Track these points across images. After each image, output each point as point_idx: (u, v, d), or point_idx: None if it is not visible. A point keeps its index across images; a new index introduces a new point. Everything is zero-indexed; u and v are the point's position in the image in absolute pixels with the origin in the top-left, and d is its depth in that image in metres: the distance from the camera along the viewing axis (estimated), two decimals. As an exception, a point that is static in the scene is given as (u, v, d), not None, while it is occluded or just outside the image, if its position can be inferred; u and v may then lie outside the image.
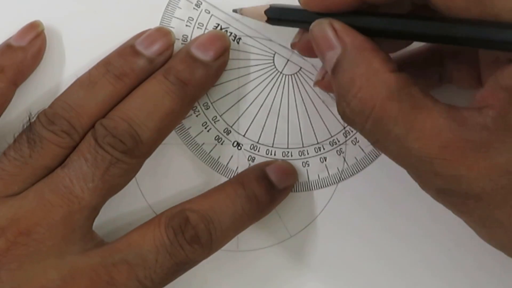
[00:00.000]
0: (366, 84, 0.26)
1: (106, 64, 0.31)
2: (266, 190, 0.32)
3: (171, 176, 0.33)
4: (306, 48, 0.30)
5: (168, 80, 0.30)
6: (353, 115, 0.27)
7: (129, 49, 0.31)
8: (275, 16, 0.30)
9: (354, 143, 0.33)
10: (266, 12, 0.30)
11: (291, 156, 0.33)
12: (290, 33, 0.31)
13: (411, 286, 0.34)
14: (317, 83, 0.32)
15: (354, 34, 0.27)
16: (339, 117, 0.33)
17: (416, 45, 0.31)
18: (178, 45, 0.32)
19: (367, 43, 0.27)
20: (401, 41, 0.31)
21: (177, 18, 0.33)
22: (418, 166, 0.26)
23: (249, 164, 0.33)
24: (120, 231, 0.31)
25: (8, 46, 0.31)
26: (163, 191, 0.33)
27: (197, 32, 0.33)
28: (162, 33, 0.32)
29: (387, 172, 0.33)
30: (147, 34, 0.31)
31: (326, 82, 0.31)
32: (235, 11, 0.32)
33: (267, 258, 0.34)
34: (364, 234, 0.34)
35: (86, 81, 0.31)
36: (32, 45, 0.32)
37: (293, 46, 0.31)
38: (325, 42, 0.27)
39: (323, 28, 0.28)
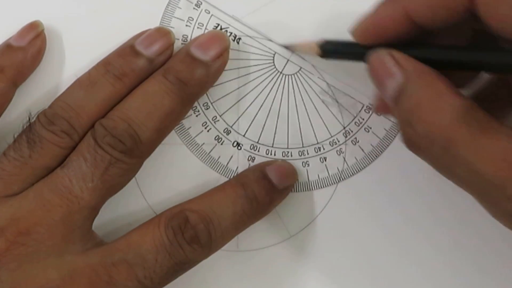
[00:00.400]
0: (433, 108, 0.25)
1: (105, 64, 0.31)
2: (266, 190, 0.32)
3: (171, 176, 0.33)
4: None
5: (168, 80, 0.30)
6: (419, 140, 0.26)
7: (129, 49, 0.31)
8: (330, 50, 0.30)
9: (354, 143, 0.33)
10: (320, 46, 0.30)
11: (291, 156, 0.33)
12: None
13: (410, 285, 0.34)
14: (378, 109, 0.31)
15: (414, 61, 0.27)
16: (339, 117, 0.33)
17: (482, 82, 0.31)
18: (178, 45, 0.32)
19: (429, 68, 0.26)
20: (462, 74, 0.30)
21: (177, 18, 0.33)
22: (489, 192, 0.25)
23: (249, 164, 0.33)
24: (120, 231, 0.31)
25: (8, 46, 0.31)
26: (163, 191, 0.33)
27: (197, 32, 0.33)
28: (162, 33, 0.32)
29: (387, 172, 0.33)
30: (147, 34, 0.31)
31: (386, 105, 0.29)
32: (286, 47, 0.32)
33: (267, 258, 0.34)
34: (364, 234, 0.33)
35: (85, 81, 0.31)
36: (32, 45, 0.32)
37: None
38: (384, 70, 0.27)
39: (381, 57, 0.27)
